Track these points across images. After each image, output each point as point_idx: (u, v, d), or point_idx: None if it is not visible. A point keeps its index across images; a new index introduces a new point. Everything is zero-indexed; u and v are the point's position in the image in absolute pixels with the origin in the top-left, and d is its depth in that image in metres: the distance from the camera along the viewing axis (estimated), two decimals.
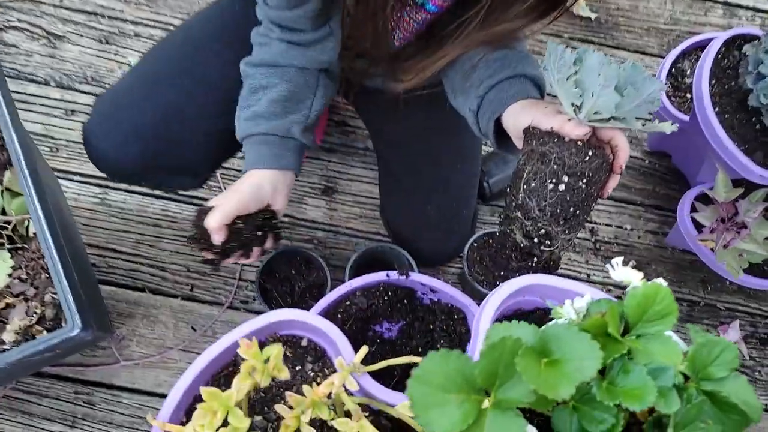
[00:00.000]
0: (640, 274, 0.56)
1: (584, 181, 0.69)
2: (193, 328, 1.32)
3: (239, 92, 0.95)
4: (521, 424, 0.47)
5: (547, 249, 0.71)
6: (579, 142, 0.69)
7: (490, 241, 1.30)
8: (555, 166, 0.69)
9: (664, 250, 1.51)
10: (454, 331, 1.01)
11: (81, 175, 1.42)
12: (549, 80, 0.72)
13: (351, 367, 0.58)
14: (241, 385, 0.56)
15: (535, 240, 0.71)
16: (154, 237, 1.39)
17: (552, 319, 0.76)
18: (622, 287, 1.46)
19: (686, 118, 1.34)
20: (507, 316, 0.76)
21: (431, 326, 1.03)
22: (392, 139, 1.17)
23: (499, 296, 0.70)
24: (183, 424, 0.65)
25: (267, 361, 0.58)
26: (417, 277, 1.01)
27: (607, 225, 1.52)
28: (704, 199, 1.26)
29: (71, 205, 1.39)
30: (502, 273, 1.29)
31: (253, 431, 0.65)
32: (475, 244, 1.29)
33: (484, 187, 1.42)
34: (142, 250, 1.37)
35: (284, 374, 0.58)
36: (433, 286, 1.01)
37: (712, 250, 1.18)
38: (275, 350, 0.59)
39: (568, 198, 0.69)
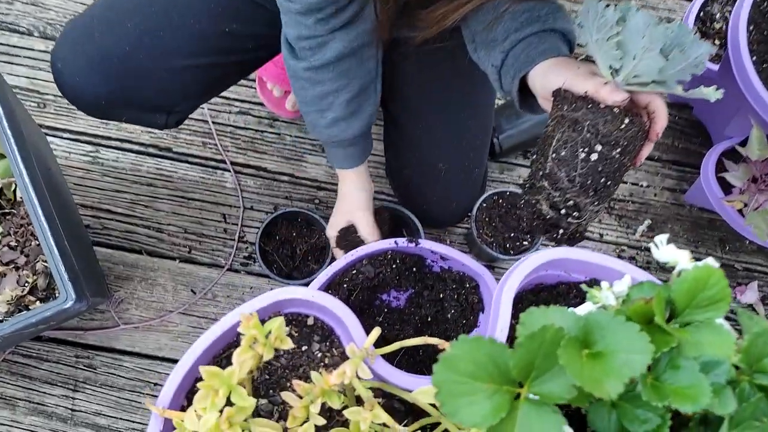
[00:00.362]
0: (688, 255, 0.51)
1: (618, 150, 0.63)
2: (192, 290, 1.28)
3: (222, 27, 0.91)
4: (559, 421, 0.43)
5: (575, 221, 0.65)
6: (615, 109, 0.63)
7: (500, 201, 1.24)
8: (588, 135, 0.62)
9: (682, 208, 1.45)
10: (465, 300, 0.96)
11: (71, 132, 1.34)
12: (585, 39, 0.64)
13: (363, 353, 0.53)
14: (242, 359, 0.51)
15: (563, 212, 0.65)
16: (149, 197, 1.32)
17: (576, 296, 0.71)
18: (638, 248, 1.41)
19: (715, 67, 1.25)
20: (528, 290, 0.71)
21: (441, 295, 0.98)
22: (402, 92, 1.09)
23: (522, 270, 0.64)
24: (184, 408, 0.60)
25: (269, 335, 0.53)
26: (427, 244, 0.95)
27: (622, 182, 1.46)
28: (731, 156, 1.19)
29: (61, 164, 1.32)
30: (512, 235, 1.24)
31: (259, 415, 0.61)
32: (484, 205, 1.23)
33: (493, 144, 1.35)
34: (137, 211, 1.31)
35: (287, 344, 0.53)
36: (444, 254, 0.96)
37: (738, 211, 1.12)
38: (276, 323, 0.54)
39: (600, 169, 0.63)
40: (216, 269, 1.30)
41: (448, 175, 1.14)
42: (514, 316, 0.68)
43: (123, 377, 1.21)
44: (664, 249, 0.50)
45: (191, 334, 1.27)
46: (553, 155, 0.64)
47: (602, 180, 0.64)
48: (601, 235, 1.42)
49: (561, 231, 0.67)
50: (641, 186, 1.46)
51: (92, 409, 1.18)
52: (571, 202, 0.64)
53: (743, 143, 1.10)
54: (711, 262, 0.49)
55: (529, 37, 0.75)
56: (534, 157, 0.68)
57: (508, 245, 1.21)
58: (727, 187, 1.19)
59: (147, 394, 1.22)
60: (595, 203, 0.65)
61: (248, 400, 0.50)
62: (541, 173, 0.66)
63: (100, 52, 0.92)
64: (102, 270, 1.25)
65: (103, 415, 1.18)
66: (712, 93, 0.62)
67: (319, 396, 0.53)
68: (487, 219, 1.22)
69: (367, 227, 1.04)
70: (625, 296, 0.50)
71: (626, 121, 0.63)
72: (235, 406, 0.50)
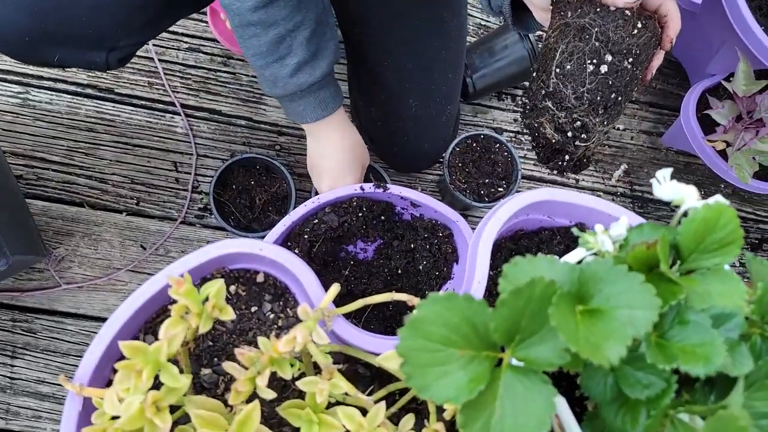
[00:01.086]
0: (696, 192, 0.43)
1: (630, 60, 0.55)
2: (142, 246, 1.18)
3: None
4: (549, 393, 0.36)
5: (583, 144, 0.57)
6: (627, 12, 0.54)
7: (474, 144, 1.16)
8: (597, 43, 0.54)
9: (658, 152, 1.40)
10: (438, 250, 0.89)
11: None
12: None
13: (318, 315, 0.45)
14: (170, 333, 0.43)
15: (569, 134, 0.58)
16: (89, 144, 1.20)
17: (560, 243, 0.64)
18: (614, 193, 1.35)
19: (698, 0, 1.17)
20: (507, 237, 0.63)
21: (412, 245, 0.90)
22: (363, 19, 0.98)
23: (502, 215, 0.57)
24: (111, 383, 0.52)
25: (206, 301, 0.45)
26: (396, 190, 0.87)
27: (631, 98, 1.39)
28: (714, 94, 1.13)
29: None
30: (486, 181, 1.17)
31: (202, 388, 0.53)
32: (457, 149, 1.15)
33: (466, 84, 1.26)
34: (75, 159, 1.19)
35: (227, 314, 0.45)
36: (415, 200, 0.88)
37: (719, 152, 1.07)
38: (215, 286, 0.45)
39: (610, 82, 0.55)
40: (168, 222, 1.20)
41: (419, 113, 1.05)
42: (492, 267, 0.61)
43: (67, 341, 1.12)
44: (667, 185, 0.43)
45: None
46: (557, 70, 0.56)
47: (613, 95, 0.56)
48: (577, 181, 1.36)
49: (567, 157, 0.60)
50: (618, 129, 1.40)
51: (33, 376, 1.09)
52: (578, 123, 0.57)
53: (728, 79, 1.03)
54: (721, 199, 0.42)
55: None
56: (534, 75, 0.60)
57: (482, 192, 1.14)
58: (707, 129, 1.13)
59: None
60: (605, 123, 0.58)
61: (180, 380, 0.42)
62: (543, 92, 0.57)
63: None
64: (36, 225, 1.13)
65: (46, 382, 1.09)
66: None
67: (267, 366, 0.45)
68: (460, 164, 1.15)
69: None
70: (623, 241, 0.43)
71: (639, 25, 0.55)
72: (164, 387, 0.42)
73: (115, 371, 0.49)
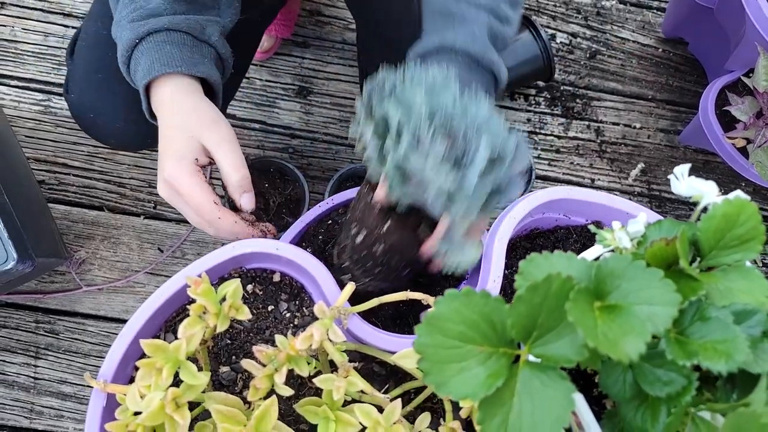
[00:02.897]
0: (715, 187, 0.43)
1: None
2: (159, 249, 1.19)
3: None
4: (567, 389, 0.35)
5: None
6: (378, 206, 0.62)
7: None
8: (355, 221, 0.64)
9: (676, 150, 1.38)
10: None
11: (19, 79, 1.22)
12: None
13: (334, 313, 0.46)
14: (189, 332, 0.43)
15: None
16: (108, 149, 1.22)
17: (576, 241, 0.64)
18: (630, 193, 1.34)
19: None
20: (523, 236, 0.63)
21: None
22: (379, 20, 0.97)
23: (517, 213, 0.57)
24: (133, 380, 0.53)
25: (224, 301, 0.45)
26: None
27: (614, 124, 1.38)
28: (733, 90, 1.11)
29: (10, 114, 1.20)
30: None
31: (221, 385, 0.54)
32: None
33: None
34: (95, 164, 1.21)
35: (243, 314, 0.45)
36: None
37: (739, 149, 1.05)
38: (232, 286, 0.45)
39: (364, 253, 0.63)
40: (184, 225, 1.21)
41: None
42: (508, 267, 0.60)
43: (88, 342, 1.13)
44: (685, 181, 0.43)
45: None
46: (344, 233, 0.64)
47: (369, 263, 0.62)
48: (593, 180, 1.35)
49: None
50: (634, 128, 1.38)
51: (56, 376, 1.11)
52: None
53: (747, 75, 1.02)
54: (741, 194, 0.42)
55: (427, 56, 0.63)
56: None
57: None
58: (726, 126, 1.12)
59: None
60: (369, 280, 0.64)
61: (199, 377, 0.42)
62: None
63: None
64: (58, 228, 1.15)
65: (68, 383, 1.11)
66: None
67: (284, 363, 0.45)
68: None
69: (231, 157, 0.62)
70: (641, 237, 0.43)
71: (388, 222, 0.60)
72: (183, 384, 0.42)
73: (137, 369, 0.50)
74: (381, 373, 0.55)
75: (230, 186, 0.60)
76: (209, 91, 0.66)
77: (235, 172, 0.59)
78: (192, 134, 0.59)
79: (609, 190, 1.34)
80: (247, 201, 0.61)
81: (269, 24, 1.03)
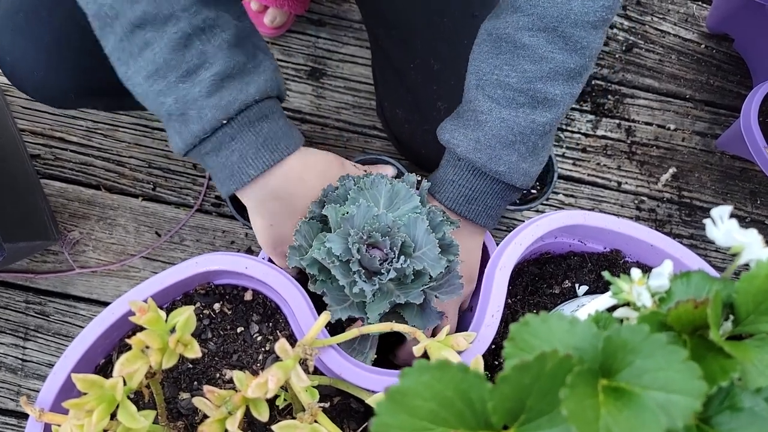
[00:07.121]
0: (760, 239, 0.35)
1: None
2: (157, 233, 1.14)
3: None
4: None
5: None
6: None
7: None
8: None
9: (711, 155, 1.28)
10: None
11: None
12: None
13: (299, 352, 0.40)
14: (127, 370, 0.37)
15: None
16: (109, 125, 1.17)
17: (591, 271, 0.56)
18: (659, 199, 1.25)
19: None
20: (532, 260, 0.56)
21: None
22: (391, 19, 0.91)
23: (524, 239, 0.50)
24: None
25: (172, 333, 0.40)
26: None
27: (647, 124, 1.28)
28: None
29: (4, 83, 1.16)
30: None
31: (179, 414, 0.48)
32: None
33: None
34: (94, 140, 1.16)
35: (193, 351, 0.39)
36: None
37: None
38: (183, 315, 0.39)
39: None
40: (184, 209, 1.16)
41: (448, 116, 0.97)
42: (512, 294, 0.53)
43: (78, 326, 1.10)
44: (724, 227, 0.35)
45: None
46: None
47: None
48: (619, 183, 1.26)
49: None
50: (668, 129, 1.29)
51: (44, 360, 1.08)
52: None
53: None
54: None
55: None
56: None
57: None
58: None
59: None
60: None
61: (138, 420, 0.36)
62: None
63: (54, 36, 0.68)
64: (50, 207, 1.11)
65: None
66: None
67: (239, 406, 0.39)
68: None
69: None
70: (665, 293, 0.36)
71: None
72: (121, 427, 0.37)
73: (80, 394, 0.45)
74: (359, 410, 0.49)
75: None
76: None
77: None
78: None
79: (636, 194, 1.25)
80: None
81: None
